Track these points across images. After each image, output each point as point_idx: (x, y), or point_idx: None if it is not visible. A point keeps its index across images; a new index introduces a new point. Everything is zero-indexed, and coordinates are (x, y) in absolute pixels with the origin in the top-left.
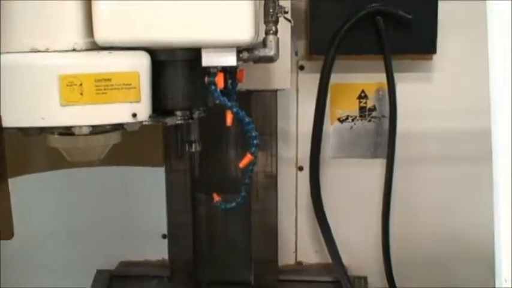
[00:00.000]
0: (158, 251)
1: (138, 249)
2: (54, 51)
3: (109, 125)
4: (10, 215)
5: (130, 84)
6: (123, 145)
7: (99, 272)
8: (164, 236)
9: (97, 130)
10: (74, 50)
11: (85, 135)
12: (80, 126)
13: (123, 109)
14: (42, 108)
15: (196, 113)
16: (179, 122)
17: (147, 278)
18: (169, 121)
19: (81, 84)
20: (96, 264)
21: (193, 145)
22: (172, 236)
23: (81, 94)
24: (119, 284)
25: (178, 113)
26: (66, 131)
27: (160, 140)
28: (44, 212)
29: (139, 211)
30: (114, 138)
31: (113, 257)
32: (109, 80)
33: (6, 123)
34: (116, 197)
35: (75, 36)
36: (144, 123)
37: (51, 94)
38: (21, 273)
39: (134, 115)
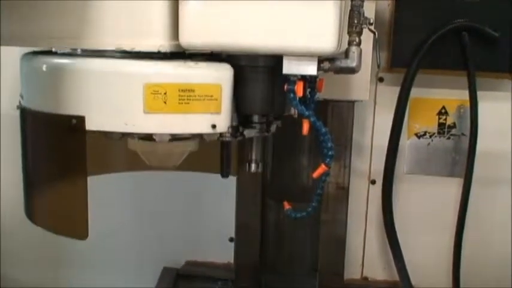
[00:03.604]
0: (224, 253)
1: (205, 250)
2: (140, 52)
3: (189, 134)
4: (86, 215)
5: (212, 96)
6: (199, 153)
7: (166, 270)
8: (231, 240)
9: (176, 137)
10: (159, 52)
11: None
12: (161, 134)
13: (204, 120)
14: (125, 114)
15: (273, 126)
16: (257, 134)
17: (211, 279)
18: (247, 133)
19: (165, 93)
20: (163, 262)
21: (253, 165)
22: (240, 239)
23: (165, 103)
24: (184, 283)
25: (256, 124)
26: (147, 136)
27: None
28: (115, 209)
29: (209, 213)
30: (192, 146)
31: (180, 256)
32: (192, 90)
33: (90, 126)
34: (187, 197)
35: (161, 38)
36: (222, 135)
37: (135, 101)
38: (88, 269)
39: (214, 126)
